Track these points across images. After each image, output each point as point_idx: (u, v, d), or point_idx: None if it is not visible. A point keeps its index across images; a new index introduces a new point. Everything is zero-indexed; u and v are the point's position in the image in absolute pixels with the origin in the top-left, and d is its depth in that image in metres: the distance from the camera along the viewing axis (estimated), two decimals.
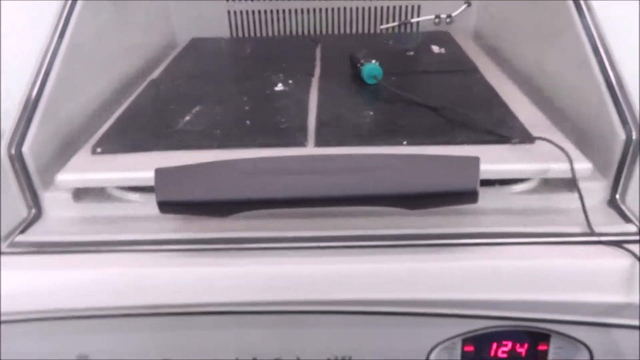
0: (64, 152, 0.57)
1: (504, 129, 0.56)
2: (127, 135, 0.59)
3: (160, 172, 0.46)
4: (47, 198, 0.55)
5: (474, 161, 0.45)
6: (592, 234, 0.49)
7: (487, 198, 0.53)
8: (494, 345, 0.50)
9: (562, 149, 0.52)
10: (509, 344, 0.50)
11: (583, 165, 0.51)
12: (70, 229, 0.53)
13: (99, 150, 0.56)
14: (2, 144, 0.52)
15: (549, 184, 0.55)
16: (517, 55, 0.78)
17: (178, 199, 0.45)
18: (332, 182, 0.44)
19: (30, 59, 0.59)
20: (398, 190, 0.45)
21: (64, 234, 0.52)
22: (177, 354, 0.49)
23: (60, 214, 0.55)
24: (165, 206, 0.45)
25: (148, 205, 0.52)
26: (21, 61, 0.59)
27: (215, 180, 0.45)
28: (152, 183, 0.45)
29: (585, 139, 0.57)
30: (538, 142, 0.54)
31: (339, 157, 0.46)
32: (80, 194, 0.56)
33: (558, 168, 0.51)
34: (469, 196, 0.45)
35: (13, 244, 0.50)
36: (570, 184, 0.54)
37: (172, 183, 0.46)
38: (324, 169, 0.45)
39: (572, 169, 0.50)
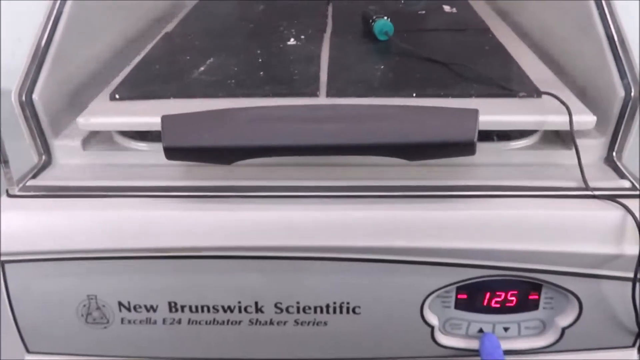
0: (75, 100, 0.59)
1: (512, 84, 0.57)
2: (144, 84, 0.60)
3: (167, 119, 0.47)
4: (57, 146, 0.56)
5: (473, 113, 0.46)
6: (587, 188, 0.50)
7: (486, 153, 0.54)
8: (487, 294, 0.52)
9: (562, 101, 0.53)
10: (502, 294, 0.52)
11: (586, 118, 0.52)
12: (79, 175, 0.55)
13: (117, 96, 0.57)
14: (13, 90, 0.53)
15: (548, 141, 0.56)
16: (523, 15, 0.78)
17: (183, 145, 0.47)
18: (331, 131, 0.46)
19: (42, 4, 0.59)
20: (396, 140, 0.46)
21: (74, 180, 0.53)
22: (181, 296, 0.52)
23: (70, 161, 0.56)
24: (171, 152, 0.47)
25: (155, 153, 0.54)
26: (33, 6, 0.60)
27: (219, 127, 0.47)
28: None
29: (585, 97, 0.58)
30: (545, 97, 0.55)
31: (340, 107, 0.47)
32: (89, 142, 0.58)
33: (559, 120, 0.52)
34: (467, 147, 0.46)
35: (25, 188, 0.52)
36: (568, 140, 0.55)
37: (178, 129, 0.47)
38: (325, 118, 0.46)
39: (571, 121, 0.51)
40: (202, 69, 0.63)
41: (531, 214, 0.49)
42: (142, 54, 0.69)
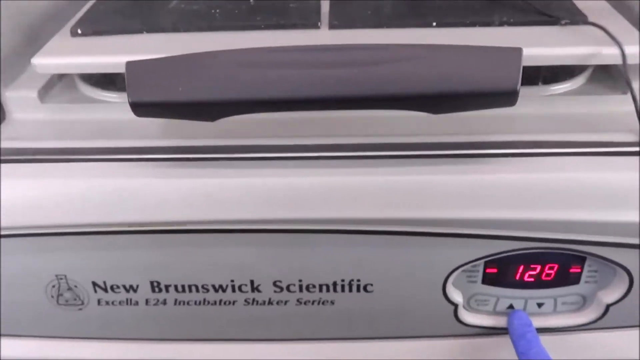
0: (32, 39, 0.49)
1: (552, 9, 0.48)
2: (113, 15, 0.51)
3: (133, 66, 0.38)
4: (10, 98, 0.47)
5: (515, 53, 0.37)
6: None
7: (523, 99, 0.45)
8: (521, 268, 0.44)
9: (606, 31, 0.43)
10: (537, 267, 0.44)
11: None
12: (38, 133, 0.46)
13: (79, 31, 0.48)
14: None
15: (598, 83, 0.47)
16: None
17: (155, 99, 0.38)
18: (340, 79, 0.36)
19: None
20: (418, 90, 0.37)
21: (31, 140, 0.45)
22: (164, 275, 0.44)
23: (26, 116, 0.48)
24: (140, 108, 0.38)
25: (125, 106, 0.45)
26: None
27: (200, 75, 0.37)
28: None
29: None
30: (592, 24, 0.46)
31: (350, 48, 0.38)
32: (49, 92, 0.49)
33: (606, 53, 0.42)
34: (506, 97, 0.37)
35: None
36: (623, 81, 0.46)
37: (147, 79, 0.38)
38: (332, 62, 0.37)
39: (623, 54, 0.42)
40: None
41: (575, 177, 0.41)
42: None
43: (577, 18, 0.47)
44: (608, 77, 0.48)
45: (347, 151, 0.42)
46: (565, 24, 0.46)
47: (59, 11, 0.54)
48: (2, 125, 0.47)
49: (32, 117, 0.47)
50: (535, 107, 0.46)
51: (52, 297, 0.46)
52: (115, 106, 0.48)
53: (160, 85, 0.37)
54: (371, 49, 0.38)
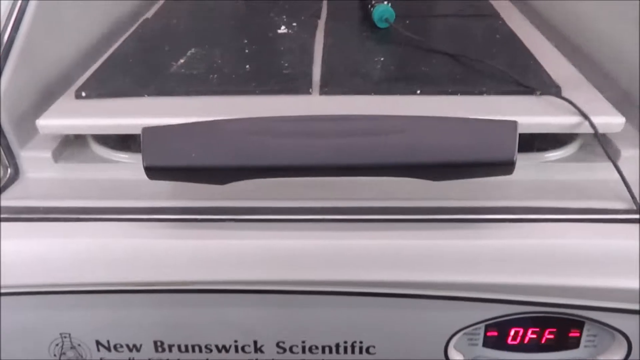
0: (45, 104, 0.51)
1: (527, 80, 0.51)
2: (116, 79, 0.54)
3: (148, 132, 0.40)
4: (25, 157, 0.49)
5: (511, 126, 0.39)
6: (638, 210, 0.43)
7: (518, 167, 0.47)
8: (521, 331, 0.45)
9: (570, 102, 0.47)
10: (537, 330, 0.45)
11: (611, 120, 0.46)
12: (51, 192, 0.47)
13: (83, 94, 0.50)
14: None
15: (589, 152, 0.49)
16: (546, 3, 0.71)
17: (168, 164, 0.39)
18: (346, 148, 0.38)
19: None
20: (422, 160, 0.39)
21: (44, 199, 0.46)
22: (168, 334, 0.45)
23: (40, 175, 0.49)
24: (154, 171, 0.40)
25: (138, 166, 0.47)
26: None
27: (211, 142, 0.39)
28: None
29: (628, 99, 0.51)
30: (566, 94, 0.49)
31: (354, 118, 0.40)
32: (62, 153, 0.50)
33: (582, 122, 0.45)
34: (504, 167, 0.39)
35: None
36: (613, 152, 0.48)
37: (161, 145, 0.40)
38: (336, 132, 0.39)
39: (592, 123, 0.45)
40: (181, 61, 0.56)
41: (573, 243, 0.42)
42: (116, 45, 0.61)
43: (552, 90, 0.49)
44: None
45: (348, 214, 0.44)
46: (540, 94, 0.49)
47: (74, 72, 0.57)
48: (15, 184, 0.48)
49: (45, 176, 0.49)
50: (530, 174, 0.48)
51: (55, 355, 0.46)
52: (126, 166, 0.49)
53: (173, 151, 0.39)
54: (374, 119, 0.40)
